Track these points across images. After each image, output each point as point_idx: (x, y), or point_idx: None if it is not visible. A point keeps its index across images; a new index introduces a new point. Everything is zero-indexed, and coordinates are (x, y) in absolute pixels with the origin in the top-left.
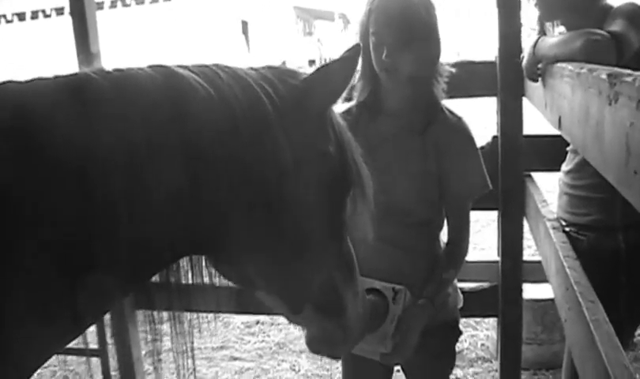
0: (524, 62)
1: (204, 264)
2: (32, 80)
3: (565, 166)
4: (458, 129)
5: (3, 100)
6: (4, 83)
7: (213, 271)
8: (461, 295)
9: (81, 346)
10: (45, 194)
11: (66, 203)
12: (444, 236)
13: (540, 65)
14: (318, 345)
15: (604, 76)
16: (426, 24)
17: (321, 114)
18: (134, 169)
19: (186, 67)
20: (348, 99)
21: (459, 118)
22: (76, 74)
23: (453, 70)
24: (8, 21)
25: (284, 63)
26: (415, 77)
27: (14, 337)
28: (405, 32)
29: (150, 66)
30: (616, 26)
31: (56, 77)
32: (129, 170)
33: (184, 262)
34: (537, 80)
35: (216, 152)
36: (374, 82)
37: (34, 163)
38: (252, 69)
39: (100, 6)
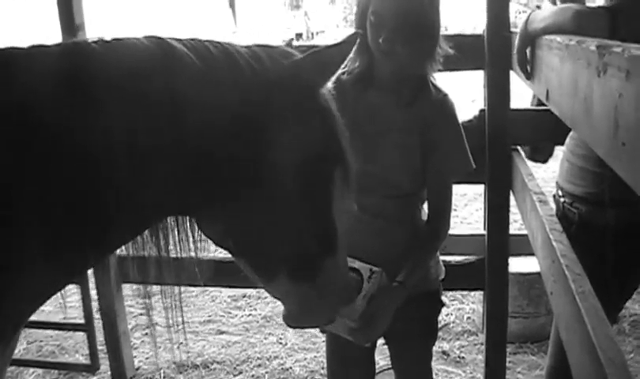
0: (515, 45)
1: (187, 223)
2: (31, 50)
3: (572, 131)
4: (442, 107)
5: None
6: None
7: (195, 230)
8: (442, 267)
9: (68, 321)
10: (34, 148)
11: (52, 156)
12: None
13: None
14: (292, 319)
15: (593, 47)
16: (428, 15)
17: (307, 94)
18: (122, 129)
19: (179, 40)
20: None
21: (444, 96)
22: (75, 44)
23: (451, 52)
24: None
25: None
26: (411, 61)
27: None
28: (406, 20)
29: (146, 37)
30: (620, 0)
31: (55, 46)
32: (112, 126)
33: (170, 221)
34: (528, 73)
35: (199, 113)
36: (367, 56)
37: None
38: (247, 46)
39: None
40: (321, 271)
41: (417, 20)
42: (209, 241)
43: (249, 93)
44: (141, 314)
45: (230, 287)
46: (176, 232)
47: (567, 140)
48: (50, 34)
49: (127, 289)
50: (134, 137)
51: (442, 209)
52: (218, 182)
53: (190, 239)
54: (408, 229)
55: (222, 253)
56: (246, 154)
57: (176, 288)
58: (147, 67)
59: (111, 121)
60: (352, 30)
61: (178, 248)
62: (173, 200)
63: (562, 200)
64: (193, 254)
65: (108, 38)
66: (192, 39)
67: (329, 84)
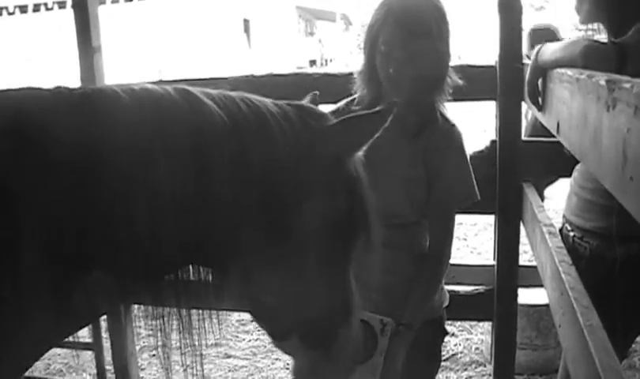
0: (526, 78)
1: (202, 274)
2: (52, 89)
3: (579, 166)
4: (449, 137)
5: (5, 103)
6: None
7: (209, 281)
8: (447, 294)
9: (76, 339)
10: (42, 192)
11: (64, 200)
12: None
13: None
14: (303, 377)
15: (602, 82)
16: (438, 46)
17: (337, 161)
18: (140, 175)
19: (208, 94)
20: (348, 95)
21: (452, 126)
22: (97, 88)
23: (461, 83)
24: (10, 13)
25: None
26: (419, 91)
27: (10, 329)
28: (416, 52)
29: (174, 88)
30: (629, 36)
31: (74, 89)
32: (133, 176)
33: (185, 270)
34: (539, 105)
35: (223, 172)
36: (376, 85)
37: (32, 162)
38: (277, 105)
39: (102, 0)
40: (336, 339)
41: (427, 52)
42: None
43: (277, 156)
44: (149, 336)
45: (238, 310)
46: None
47: (574, 174)
48: (69, 55)
49: (136, 309)
50: (155, 191)
51: (444, 238)
52: (238, 239)
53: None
54: (412, 257)
55: None
56: (268, 216)
57: (186, 310)
58: (173, 122)
59: (133, 174)
60: (361, 57)
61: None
62: (186, 252)
63: (571, 234)
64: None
65: (136, 87)
66: (222, 93)
67: (361, 152)
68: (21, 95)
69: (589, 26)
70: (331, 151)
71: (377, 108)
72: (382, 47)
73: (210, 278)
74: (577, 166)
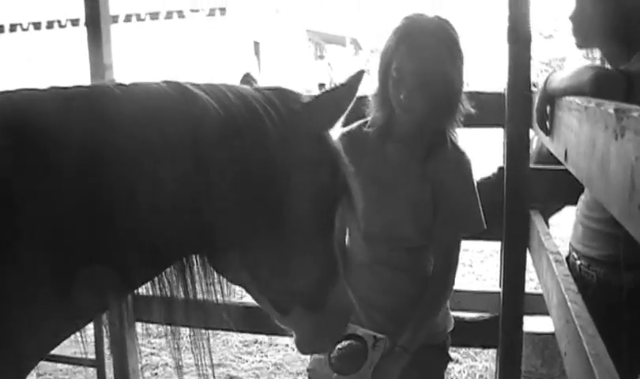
0: (535, 105)
1: (201, 263)
2: (44, 89)
3: (584, 196)
4: (457, 164)
5: (3, 104)
6: (11, 91)
7: (210, 270)
8: (451, 319)
9: (79, 355)
10: (44, 189)
11: (66, 197)
12: None
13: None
14: (306, 346)
15: (611, 110)
16: (449, 75)
17: (318, 136)
18: (140, 170)
19: (198, 86)
20: (362, 116)
21: (461, 153)
22: (90, 85)
23: (473, 111)
24: (24, 29)
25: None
26: (430, 117)
27: (12, 329)
28: (428, 80)
29: (165, 81)
30: (635, 63)
31: (68, 87)
32: (133, 171)
33: (184, 261)
34: (547, 131)
35: (222, 162)
36: (388, 109)
37: (32, 162)
38: (258, 90)
39: (115, 19)
40: (329, 297)
41: (438, 80)
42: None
43: (266, 140)
44: (152, 354)
45: (242, 331)
46: (201, 272)
47: (579, 205)
48: (81, 72)
49: (139, 327)
50: (154, 183)
51: (448, 265)
52: (241, 227)
53: (216, 279)
54: (418, 281)
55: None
56: (262, 197)
57: (187, 329)
58: (169, 114)
59: (131, 165)
60: (374, 82)
61: (204, 288)
62: (191, 240)
63: (578, 262)
64: (220, 297)
65: (127, 82)
66: (210, 85)
67: (339, 126)
68: (19, 97)
69: (591, 54)
70: (313, 128)
71: (343, 81)
72: (394, 73)
73: (214, 265)
74: (582, 197)
